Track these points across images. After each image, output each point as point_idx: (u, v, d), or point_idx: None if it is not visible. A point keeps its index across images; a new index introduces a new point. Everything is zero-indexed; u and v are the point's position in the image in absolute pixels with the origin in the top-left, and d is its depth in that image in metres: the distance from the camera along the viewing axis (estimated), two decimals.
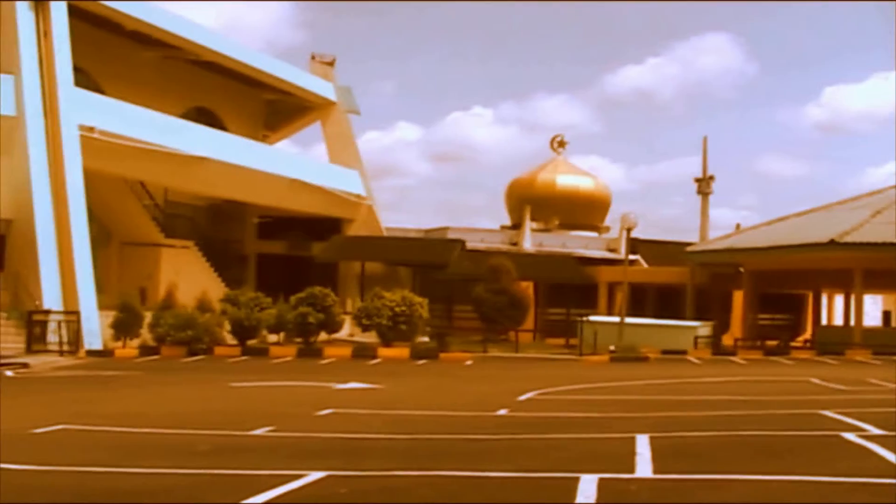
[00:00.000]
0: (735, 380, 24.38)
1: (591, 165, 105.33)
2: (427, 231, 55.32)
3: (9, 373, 24.15)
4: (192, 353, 30.30)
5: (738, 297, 44.94)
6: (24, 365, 25.66)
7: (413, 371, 27.34)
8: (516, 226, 57.67)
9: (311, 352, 31.82)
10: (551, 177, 61.93)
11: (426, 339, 34.36)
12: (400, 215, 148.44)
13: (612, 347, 32.93)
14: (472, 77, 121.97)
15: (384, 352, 31.77)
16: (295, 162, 48.28)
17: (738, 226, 51.24)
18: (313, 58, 52.38)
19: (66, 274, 30.59)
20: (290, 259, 49.15)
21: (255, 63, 45.58)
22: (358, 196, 49.64)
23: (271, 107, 52.70)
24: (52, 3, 32.99)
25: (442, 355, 31.48)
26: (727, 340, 39.66)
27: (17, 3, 32.11)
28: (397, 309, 32.77)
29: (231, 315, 32.56)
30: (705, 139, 57.16)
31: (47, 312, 29.22)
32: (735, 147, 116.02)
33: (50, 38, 32.86)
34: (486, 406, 17.05)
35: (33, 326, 28.97)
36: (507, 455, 11.56)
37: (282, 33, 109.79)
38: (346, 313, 36.87)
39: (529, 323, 40.13)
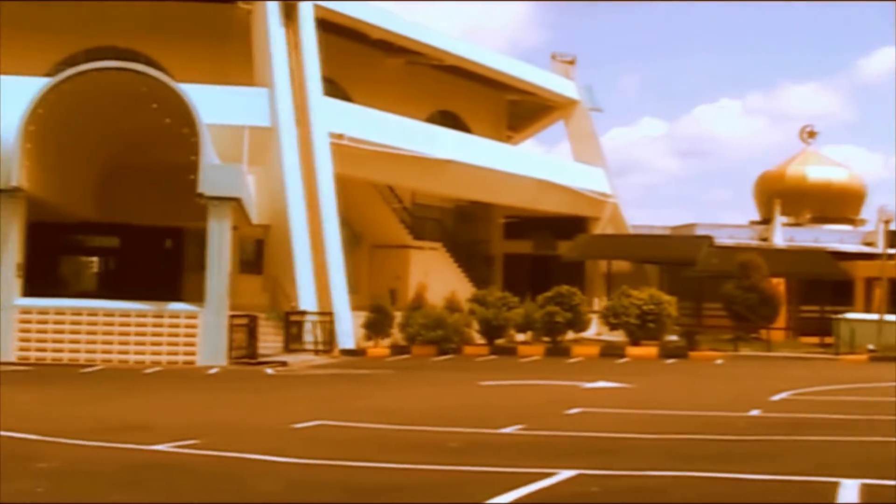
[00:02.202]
0: None
1: (845, 155, 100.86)
2: (673, 228, 54.43)
3: (269, 370, 25.19)
4: (442, 353, 30.77)
5: None
6: (283, 363, 26.68)
7: (662, 370, 26.96)
8: (766, 221, 56.05)
9: (558, 351, 31.80)
10: (801, 169, 59.85)
11: (675, 337, 33.79)
12: (645, 212, 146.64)
13: (870, 346, 31.50)
14: (719, 69, 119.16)
15: (632, 350, 31.42)
16: (539, 162, 48.38)
17: None
18: (554, 57, 52.35)
19: (320, 276, 31.59)
20: (536, 258, 49.28)
21: (496, 65, 45.94)
22: (603, 194, 49.27)
23: (514, 107, 52.96)
24: (301, 18, 34.31)
25: (691, 354, 30.90)
26: None
27: (270, 19, 33.54)
28: (645, 307, 32.34)
29: (479, 314, 32.89)
30: None
31: (303, 313, 30.23)
32: None
33: (300, 51, 34.14)
34: (738, 406, 16.63)
35: (290, 326, 30.00)
36: (762, 457, 11.22)
37: (523, 34, 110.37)
38: (592, 312, 36.66)
39: (781, 321, 38.81)
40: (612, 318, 32.99)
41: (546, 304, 32.93)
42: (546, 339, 33.06)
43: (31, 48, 34.67)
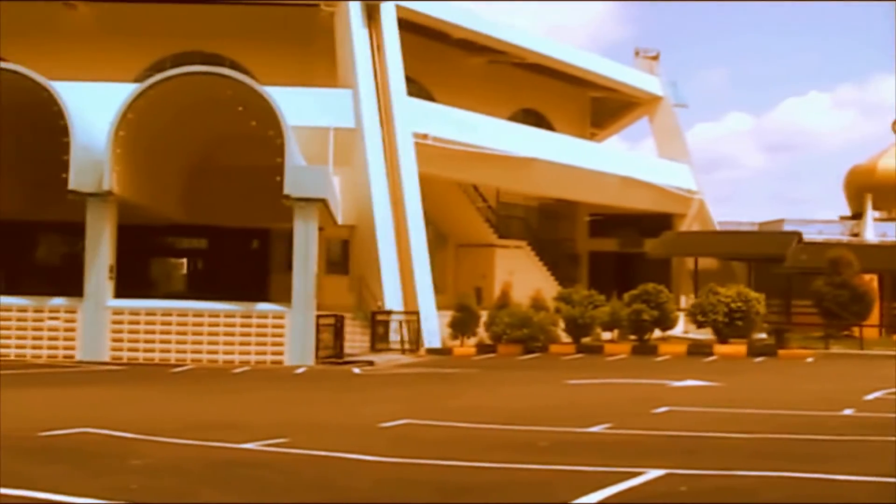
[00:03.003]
0: None
1: None
2: (761, 224, 53.77)
3: (356, 370, 25.34)
4: (528, 351, 30.70)
5: None
6: (370, 363, 26.83)
7: (751, 368, 26.62)
8: (856, 216, 55.03)
9: (645, 349, 31.57)
10: (893, 162, 58.60)
11: (763, 335, 33.32)
12: (732, 209, 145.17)
13: None
14: (808, 60, 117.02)
15: (720, 349, 31.05)
16: (623, 159, 48.10)
17: None
18: (637, 53, 52.03)
19: (406, 276, 31.75)
20: (622, 256, 49.04)
21: (579, 62, 45.74)
22: (688, 190, 48.84)
23: (597, 104, 52.68)
24: (383, 19, 34.50)
25: (780, 352, 30.41)
26: None
27: (352, 21, 33.78)
28: (733, 305, 31.90)
29: (565, 313, 32.77)
30: None
31: (389, 313, 30.38)
32: None
33: (382, 52, 34.31)
34: (829, 405, 16.35)
35: (377, 326, 30.17)
36: (854, 457, 11.02)
37: (606, 30, 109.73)
38: (679, 310, 36.33)
39: (874, 318, 38.10)
40: (699, 316, 32.62)
41: (632, 301, 32.71)
42: (633, 337, 32.84)
43: (120, 55, 35.43)
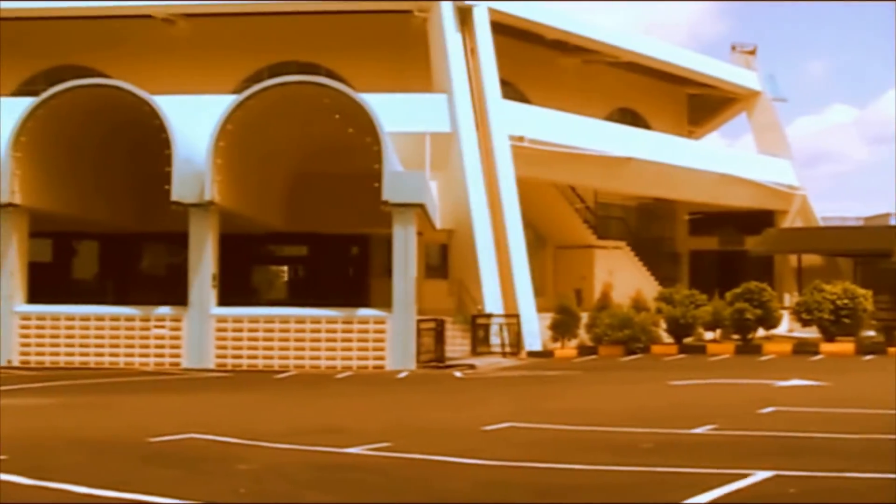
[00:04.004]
0: None
1: None
2: (867, 219, 52.65)
3: (457, 374, 25.37)
4: (630, 352, 30.49)
5: None
6: (471, 366, 26.84)
7: (859, 367, 26.09)
8: None
9: (749, 348, 31.13)
10: None
11: (872, 332, 32.61)
12: (837, 204, 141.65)
13: None
14: None
15: (826, 347, 30.49)
16: (721, 156, 47.46)
17: None
18: (734, 48, 51.32)
19: (505, 279, 31.72)
20: (723, 254, 48.43)
21: (674, 59, 45.24)
22: (790, 186, 47.99)
23: (694, 101, 52.07)
24: (476, 22, 34.54)
25: (890, 350, 29.72)
26: None
27: (445, 25, 33.87)
28: (839, 302, 31.32)
29: (666, 313, 32.46)
30: None
31: (489, 316, 30.40)
32: None
33: (476, 55, 34.36)
34: None
35: (477, 329, 30.21)
36: None
37: (704, 26, 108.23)
38: (783, 308, 35.77)
39: None
40: (804, 314, 32.09)
41: (735, 300, 32.28)
42: (735, 336, 32.41)
43: (218, 67, 36.08)
